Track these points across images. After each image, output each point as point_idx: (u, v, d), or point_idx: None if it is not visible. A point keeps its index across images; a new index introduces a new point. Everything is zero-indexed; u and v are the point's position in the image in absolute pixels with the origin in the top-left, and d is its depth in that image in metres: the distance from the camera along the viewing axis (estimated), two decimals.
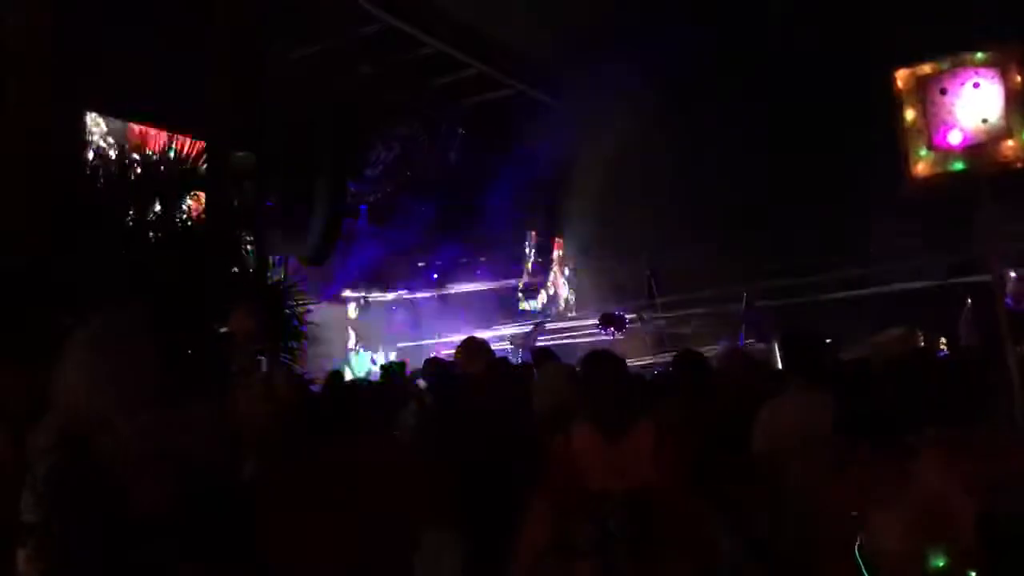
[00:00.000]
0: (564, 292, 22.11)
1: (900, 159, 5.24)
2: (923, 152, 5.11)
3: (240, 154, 9.10)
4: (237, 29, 8.98)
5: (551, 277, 21.63)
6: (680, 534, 2.97)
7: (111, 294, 6.07)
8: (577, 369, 3.58)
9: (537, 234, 20.97)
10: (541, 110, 17.39)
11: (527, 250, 20.88)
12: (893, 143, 5.43)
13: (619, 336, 14.33)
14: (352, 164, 14.27)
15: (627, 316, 15.09)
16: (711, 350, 8.89)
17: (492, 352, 4.91)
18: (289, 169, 10.10)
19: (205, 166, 8.16)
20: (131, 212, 7.35)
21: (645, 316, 16.56)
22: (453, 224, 18.37)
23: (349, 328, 17.46)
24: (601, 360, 3.45)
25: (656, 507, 2.96)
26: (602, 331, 14.60)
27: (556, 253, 21.84)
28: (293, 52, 12.88)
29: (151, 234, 7.45)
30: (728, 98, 15.87)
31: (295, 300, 8.37)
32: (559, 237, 21.59)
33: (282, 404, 4.87)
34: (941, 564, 2.42)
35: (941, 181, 5.15)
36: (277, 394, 5.23)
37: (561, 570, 3.02)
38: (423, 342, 17.39)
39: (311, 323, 8.54)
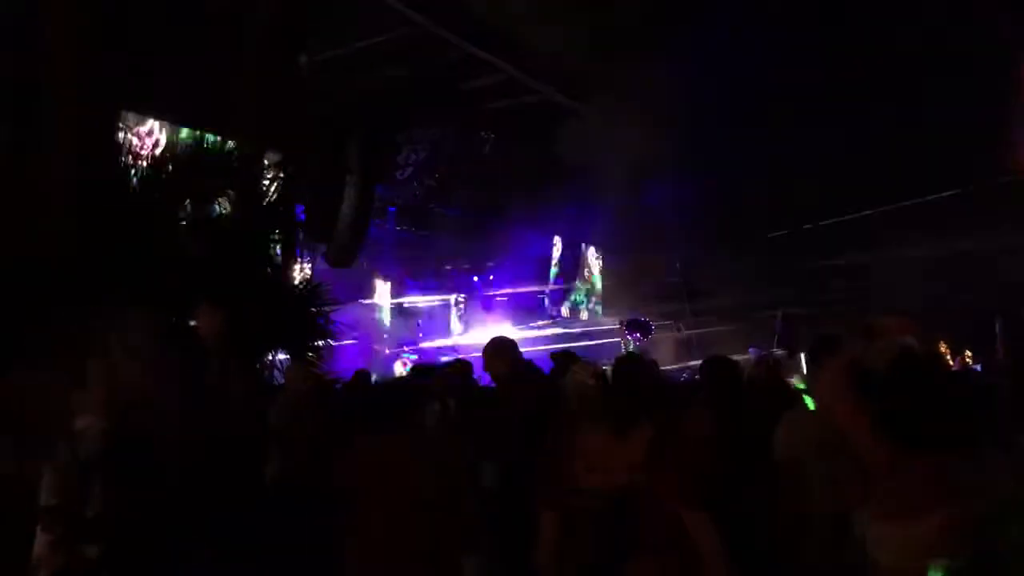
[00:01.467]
0: (591, 296, 22.10)
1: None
2: None
3: (271, 154, 9.19)
4: (269, 29, 9.06)
5: (578, 281, 21.63)
6: (666, 537, 2.96)
7: (141, 293, 6.14)
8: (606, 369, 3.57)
9: (565, 239, 20.96)
10: (571, 115, 17.37)
11: (554, 254, 20.88)
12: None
13: (644, 341, 14.27)
14: (381, 166, 14.33)
15: (652, 323, 15.04)
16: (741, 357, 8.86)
17: (518, 353, 4.87)
18: (318, 170, 10.15)
19: (236, 166, 8.23)
20: (162, 211, 7.44)
21: (678, 323, 16.54)
22: (482, 228, 18.41)
23: (381, 329, 17.56)
24: (626, 362, 3.45)
25: (646, 509, 2.95)
26: (627, 335, 14.55)
27: (584, 258, 21.84)
28: (325, 53, 12.96)
29: (182, 233, 7.54)
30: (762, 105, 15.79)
31: (321, 300, 8.41)
32: (587, 242, 21.59)
33: (301, 403, 4.91)
34: None
35: None
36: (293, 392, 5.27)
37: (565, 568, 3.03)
38: (450, 343, 17.45)
39: (337, 323, 8.59)
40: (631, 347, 14.25)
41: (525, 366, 4.93)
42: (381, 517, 3.35)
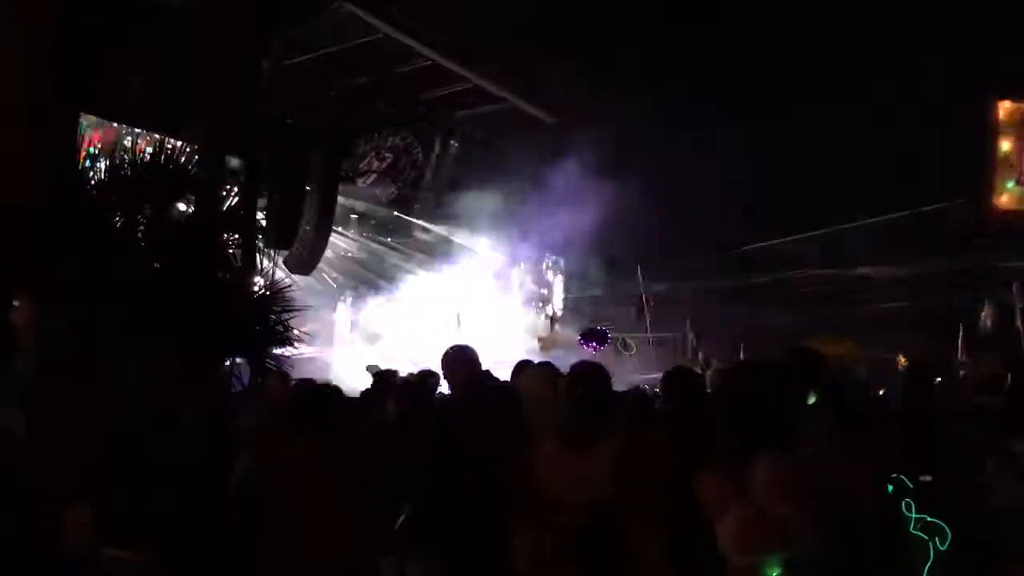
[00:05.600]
0: (553, 310, 22.11)
1: (984, 187, 4.98)
2: (1010, 185, 4.93)
3: (232, 159, 9.12)
4: (233, 35, 9.00)
5: (541, 295, 21.63)
6: (634, 548, 2.97)
7: (98, 295, 6.06)
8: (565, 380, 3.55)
9: (528, 253, 20.92)
10: (535, 125, 17.38)
11: (518, 268, 20.85)
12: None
13: (600, 350, 14.29)
14: (344, 173, 14.26)
15: (608, 332, 15.07)
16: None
17: (477, 362, 4.82)
18: (280, 176, 10.08)
19: (195, 170, 8.14)
20: (120, 214, 7.34)
21: (625, 340, 16.59)
22: (443, 238, 18.36)
23: (344, 334, 17.40)
24: (582, 373, 3.44)
25: (616, 520, 2.95)
26: (583, 345, 14.56)
27: (546, 272, 21.83)
28: (289, 60, 12.89)
29: (140, 236, 7.44)
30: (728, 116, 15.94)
31: (281, 306, 8.34)
32: (551, 256, 21.58)
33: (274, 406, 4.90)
34: (776, 573, 2.51)
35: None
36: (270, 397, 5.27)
37: None
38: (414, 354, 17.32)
39: (299, 329, 8.52)
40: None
41: (484, 375, 4.90)
42: (303, 518, 3.36)
